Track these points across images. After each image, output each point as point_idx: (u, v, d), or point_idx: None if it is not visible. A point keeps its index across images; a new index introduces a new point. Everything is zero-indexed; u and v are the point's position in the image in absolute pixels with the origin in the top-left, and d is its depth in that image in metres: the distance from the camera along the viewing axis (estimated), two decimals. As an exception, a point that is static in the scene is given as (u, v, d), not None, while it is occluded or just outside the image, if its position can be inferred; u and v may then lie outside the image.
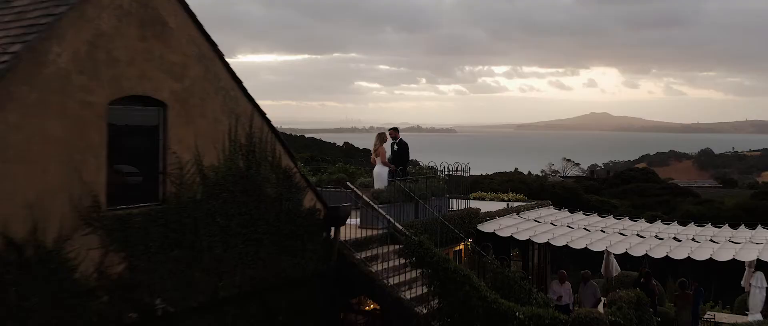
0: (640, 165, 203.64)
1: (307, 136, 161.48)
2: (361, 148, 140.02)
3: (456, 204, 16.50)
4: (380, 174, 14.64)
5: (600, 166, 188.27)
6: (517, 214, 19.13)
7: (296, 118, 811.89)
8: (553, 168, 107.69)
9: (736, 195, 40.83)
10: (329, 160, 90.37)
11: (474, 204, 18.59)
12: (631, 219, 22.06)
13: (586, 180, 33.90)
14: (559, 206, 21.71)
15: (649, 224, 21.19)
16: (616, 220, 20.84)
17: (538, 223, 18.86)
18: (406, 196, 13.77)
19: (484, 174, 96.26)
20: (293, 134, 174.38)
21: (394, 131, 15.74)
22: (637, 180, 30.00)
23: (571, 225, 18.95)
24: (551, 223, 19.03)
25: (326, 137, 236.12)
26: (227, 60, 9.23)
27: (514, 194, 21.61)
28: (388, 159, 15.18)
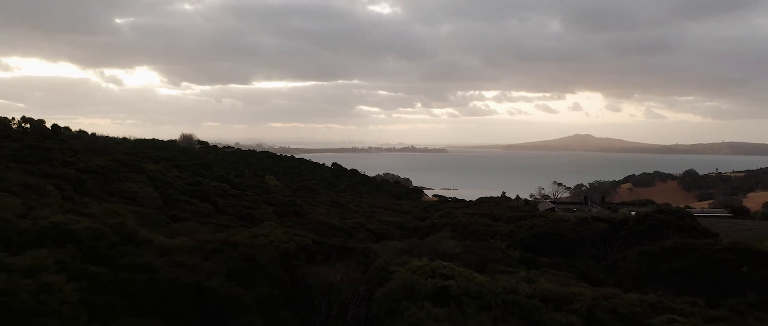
0: (626, 186, 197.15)
1: (297, 156, 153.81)
2: (348, 168, 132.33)
3: None
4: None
5: (586, 186, 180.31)
6: None
7: (303, 138, 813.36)
8: (542, 192, 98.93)
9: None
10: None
11: None
12: None
13: (590, 220, 22.95)
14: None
15: None
16: None
17: None
18: None
19: (469, 199, 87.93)
20: (283, 154, 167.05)
21: None
22: (667, 226, 20.41)
23: None
24: None
25: (330, 157, 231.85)
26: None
27: None
28: None
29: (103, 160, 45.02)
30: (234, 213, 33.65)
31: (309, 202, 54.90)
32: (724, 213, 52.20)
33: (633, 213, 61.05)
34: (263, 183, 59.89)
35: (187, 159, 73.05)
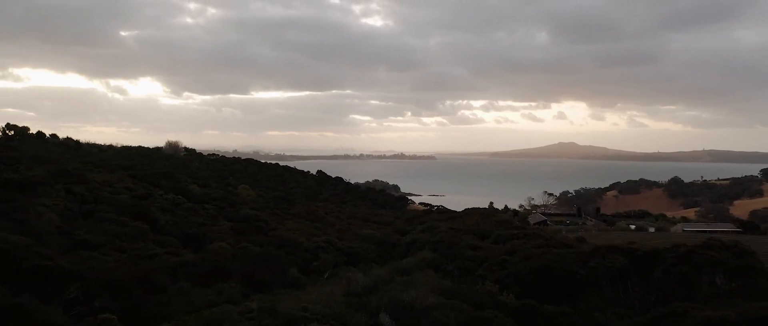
0: (612, 193, 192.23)
1: (291, 163, 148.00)
2: (334, 176, 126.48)
3: None
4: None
5: (571, 193, 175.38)
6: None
7: (298, 146, 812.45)
8: (532, 202, 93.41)
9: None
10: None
11: None
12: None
13: (604, 252, 17.27)
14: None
15: None
16: None
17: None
18: None
19: (456, 209, 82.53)
20: (280, 161, 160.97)
21: None
22: (720, 266, 14.76)
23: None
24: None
25: (323, 163, 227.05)
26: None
27: None
28: None
29: (45, 169, 39.07)
30: (176, 234, 27.78)
31: (280, 215, 49.06)
32: (731, 227, 46.62)
33: (632, 227, 55.86)
34: (233, 194, 53.98)
35: (154, 168, 66.93)
